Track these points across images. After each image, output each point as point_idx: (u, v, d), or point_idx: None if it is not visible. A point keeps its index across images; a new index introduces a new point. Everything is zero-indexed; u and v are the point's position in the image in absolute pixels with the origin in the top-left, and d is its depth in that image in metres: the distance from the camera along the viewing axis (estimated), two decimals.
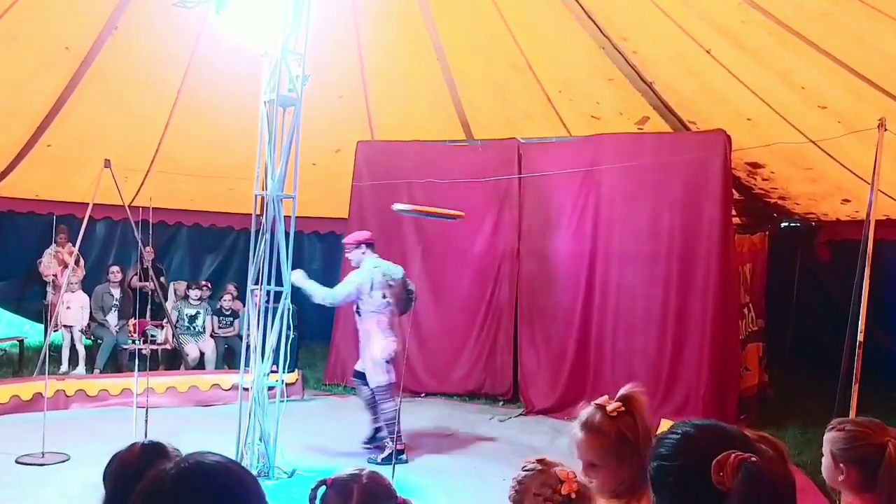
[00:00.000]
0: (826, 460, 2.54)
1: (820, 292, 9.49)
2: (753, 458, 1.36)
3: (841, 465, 2.46)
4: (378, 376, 6.42)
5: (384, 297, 6.48)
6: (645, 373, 7.77)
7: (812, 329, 9.45)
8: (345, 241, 6.80)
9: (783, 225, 9.76)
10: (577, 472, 2.01)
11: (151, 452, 1.73)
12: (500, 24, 7.84)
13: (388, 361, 6.43)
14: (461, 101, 9.12)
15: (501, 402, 8.67)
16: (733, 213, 7.95)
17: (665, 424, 3.39)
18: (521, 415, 8.25)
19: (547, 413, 8.18)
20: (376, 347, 6.44)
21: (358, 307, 6.54)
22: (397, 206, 6.22)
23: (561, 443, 7.16)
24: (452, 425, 7.73)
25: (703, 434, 1.48)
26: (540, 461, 2.02)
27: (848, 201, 8.28)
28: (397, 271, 6.67)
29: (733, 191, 8.01)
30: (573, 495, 1.92)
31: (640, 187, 7.86)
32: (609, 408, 2.09)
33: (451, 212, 6.59)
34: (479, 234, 8.84)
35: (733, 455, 1.36)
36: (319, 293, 6.42)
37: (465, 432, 7.52)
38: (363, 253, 6.57)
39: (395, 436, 6.07)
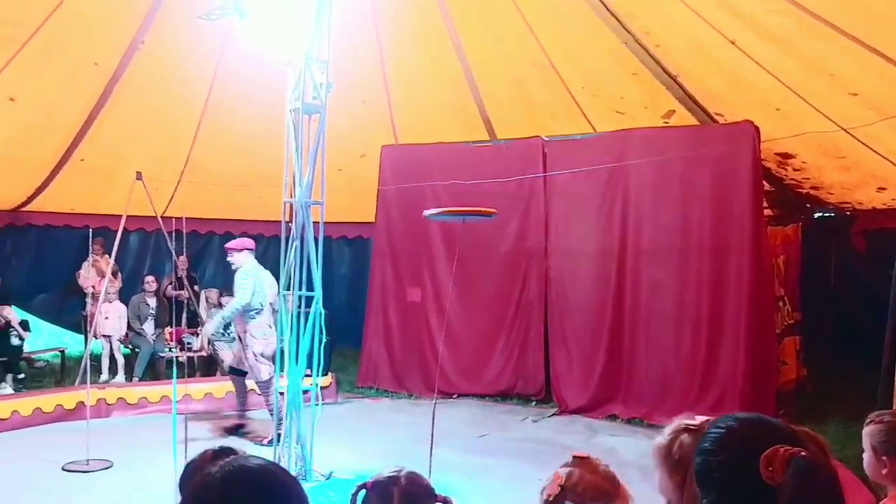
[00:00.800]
0: (867, 455, 2.50)
1: (857, 282, 9.34)
2: (803, 453, 1.34)
3: (883, 457, 2.43)
4: (261, 373, 6.82)
5: (263, 298, 6.92)
6: (679, 369, 7.73)
7: (850, 320, 9.31)
8: (228, 245, 7.13)
9: (817, 215, 9.63)
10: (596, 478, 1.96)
11: (225, 456, 1.76)
12: (521, 23, 7.84)
13: (269, 358, 6.84)
14: (483, 102, 9.13)
15: (534, 402, 8.66)
16: (765, 204, 7.87)
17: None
18: (554, 414, 8.23)
19: (581, 412, 8.16)
20: (258, 346, 6.84)
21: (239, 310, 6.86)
22: (428, 213, 6.26)
23: (596, 441, 7.18)
24: (485, 426, 7.74)
25: (747, 428, 1.46)
26: (576, 456, 2.00)
27: (884, 189, 8.14)
28: (271, 278, 7.09)
29: (764, 182, 7.91)
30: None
31: (668, 182, 7.81)
32: (684, 422, 2.06)
33: (483, 209, 6.61)
34: (506, 234, 8.84)
35: (782, 449, 1.34)
36: (231, 308, 6.86)
37: (498, 433, 7.53)
38: (244, 258, 6.94)
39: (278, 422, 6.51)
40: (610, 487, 1.93)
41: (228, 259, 7.09)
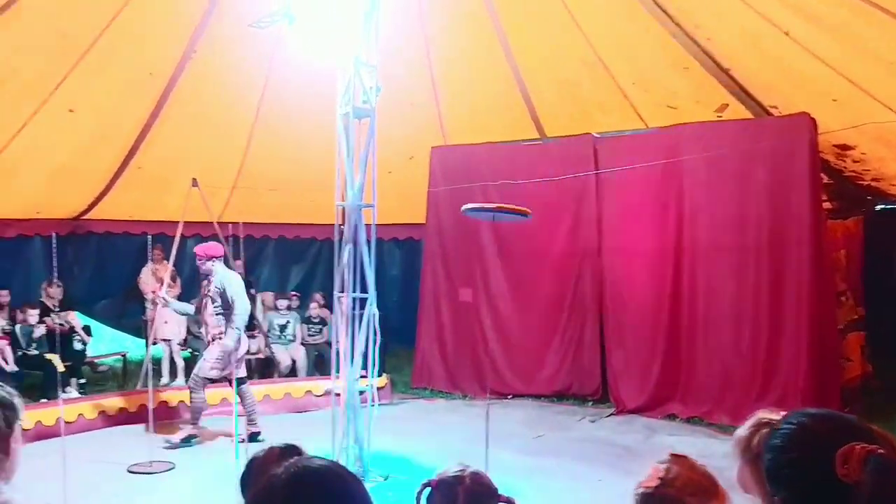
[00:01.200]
0: None
1: None
2: (881, 450, 1.30)
3: None
4: (210, 372, 6.87)
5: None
6: (739, 367, 7.59)
7: None
8: (198, 252, 7.15)
9: (879, 207, 9.36)
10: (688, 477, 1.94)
11: (290, 454, 1.80)
12: (568, 20, 7.78)
13: (224, 359, 6.90)
14: (532, 100, 9.08)
15: (590, 402, 8.59)
16: (824, 197, 7.68)
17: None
18: (611, 414, 8.16)
19: (639, 412, 8.08)
20: (221, 352, 6.87)
21: (223, 310, 6.90)
22: (466, 207, 6.29)
23: (655, 441, 7.09)
24: (542, 426, 7.70)
25: (820, 424, 1.43)
26: (673, 454, 2.00)
27: None
28: None
29: (822, 175, 7.73)
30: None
31: (723, 177, 7.68)
32: (765, 415, 2.05)
33: (519, 208, 6.60)
34: (558, 232, 8.79)
35: (858, 446, 1.31)
36: (242, 318, 6.89)
37: (555, 433, 7.49)
38: (213, 265, 7.00)
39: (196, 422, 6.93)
40: (709, 485, 1.92)
41: (198, 263, 7.14)
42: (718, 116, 8.12)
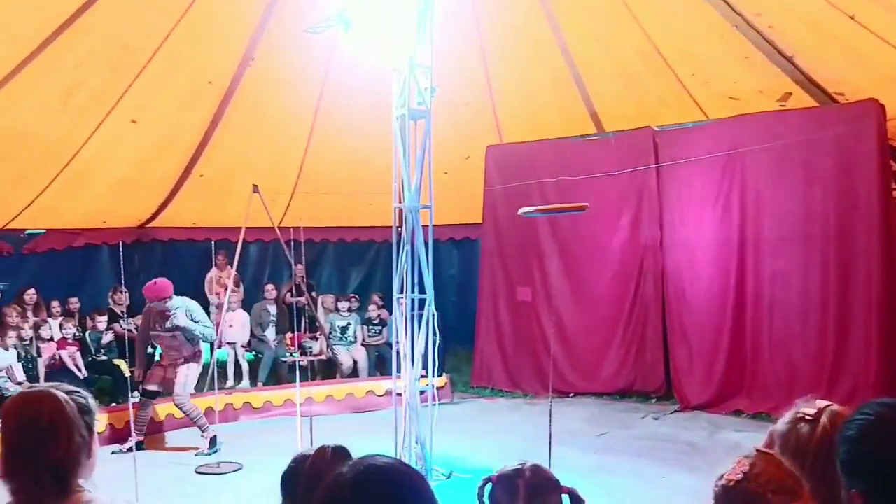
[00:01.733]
0: None
1: None
2: None
3: None
4: (191, 387, 7.14)
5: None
6: (807, 361, 7.40)
7: None
8: (147, 294, 7.08)
9: None
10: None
11: (342, 455, 1.82)
12: (624, 12, 7.68)
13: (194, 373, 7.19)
14: (589, 95, 8.98)
15: (654, 400, 8.48)
16: (893, 185, 7.43)
17: None
18: (675, 411, 8.04)
19: (704, 408, 7.95)
20: (196, 370, 7.13)
21: (195, 337, 7.06)
22: (522, 210, 6.27)
23: (720, 437, 6.96)
24: (605, 424, 7.63)
25: None
26: (758, 450, 1.97)
27: None
28: None
29: (891, 162, 7.48)
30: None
31: (787, 167, 7.50)
32: (802, 409, 2.01)
33: (574, 204, 6.54)
34: (618, 228, 8.69)
35: None
36: (209, 337, 7.37)
37: (618, 431, 7.41)
38: (169, 303, 6.99)
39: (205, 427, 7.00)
40: (794, 485, 1.88)
41: (152, 306, 7.09)
42: (782, 106, 7.93)
